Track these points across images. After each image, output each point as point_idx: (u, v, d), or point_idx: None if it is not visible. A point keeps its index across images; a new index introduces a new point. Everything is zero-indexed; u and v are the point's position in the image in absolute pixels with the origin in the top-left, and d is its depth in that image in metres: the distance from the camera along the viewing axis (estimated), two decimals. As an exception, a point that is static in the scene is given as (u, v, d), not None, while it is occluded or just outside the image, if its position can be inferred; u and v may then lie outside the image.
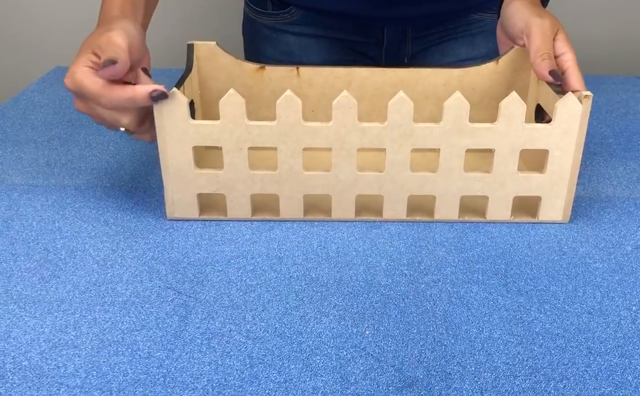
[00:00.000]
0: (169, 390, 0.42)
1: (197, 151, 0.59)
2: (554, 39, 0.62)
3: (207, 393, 0.42)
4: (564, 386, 0.42)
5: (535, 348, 0.46)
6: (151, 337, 0.46)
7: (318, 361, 0.44)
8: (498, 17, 0.72)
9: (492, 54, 0.74)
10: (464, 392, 0.42)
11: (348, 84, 0.69)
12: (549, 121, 0.57)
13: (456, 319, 0.48)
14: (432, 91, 0.69)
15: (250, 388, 0.42)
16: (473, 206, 0.62)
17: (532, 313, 0.49)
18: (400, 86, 0.69)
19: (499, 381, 0.43)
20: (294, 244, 0.57)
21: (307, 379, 0.43)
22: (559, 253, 0.57)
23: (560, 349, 0.46)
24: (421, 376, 0.43)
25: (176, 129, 0.56)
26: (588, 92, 0.55)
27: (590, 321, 0.48)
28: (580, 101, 0.55)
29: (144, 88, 0.53)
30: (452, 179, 0.58)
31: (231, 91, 0.54)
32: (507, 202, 0.59)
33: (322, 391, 0.42)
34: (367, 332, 0.47)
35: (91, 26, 0.60)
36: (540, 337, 0.47)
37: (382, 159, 0.58)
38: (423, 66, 0.69)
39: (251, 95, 0.70)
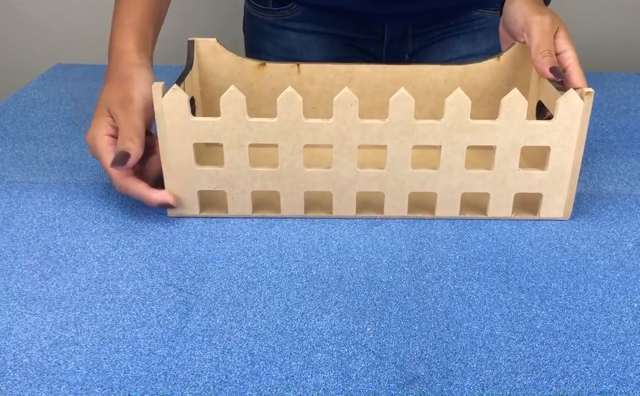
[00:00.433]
0: (170, 387, 0.42)
1: (198, 148, 0.59)
2: (555, 36, 0.62)
3: (208, 390, 0.42)
4: (566, 383, 0.42)
5: (536, 345, 0.45)
6: (152, 334, 0.46)
7: (319, 358, 0.44)
8: (500, 15, 0.72)
9: (493, 51, 0.74)
10: (465, 389, 0.42)
11: (349, 81, 0.69)
12: (550, 118, 0.57)
13: (457, 316, 0.48)
14: (433, 87, 0.69)
15: (252, 385, 0.42)
16: (474, 203, 0.61)
17: (533, 310, 0.49)
18: (401, 83, 0.69)
19: (500, 378, 0.43)
20: (295, 241, 0.57)
21: (308, 376, 0.43)
22: (560, 250, 0.56)
23: (561, 346, 0.45)
24: (422, 373, 0.43)
25: (177, 126, 0.56)
26: (590, 89, 0.55)
27: (591, 318, 0.48)
28: (582, 98, 0.55)
29: (156, 196, 0.58)
30: (453, 176, 0.58)
31: (232, 87, 0.54)
32: (508, 199, 0.59)
33: (323, 388, 0.42)
34: (368, 329, 0.47)
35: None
36: (542, 334, 0.47)
37: (383, 156, 0.57)
38: (424, 62, 0.69)
39: (252, 92, 0.70)
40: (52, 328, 0.47)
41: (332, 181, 0.58)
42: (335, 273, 0.53)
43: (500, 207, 0.60)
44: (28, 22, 1.62)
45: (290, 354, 0.45)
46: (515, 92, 0.54)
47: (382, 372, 0.43)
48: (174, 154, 0.57)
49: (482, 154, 0.66)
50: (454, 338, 0.46)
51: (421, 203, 0.61)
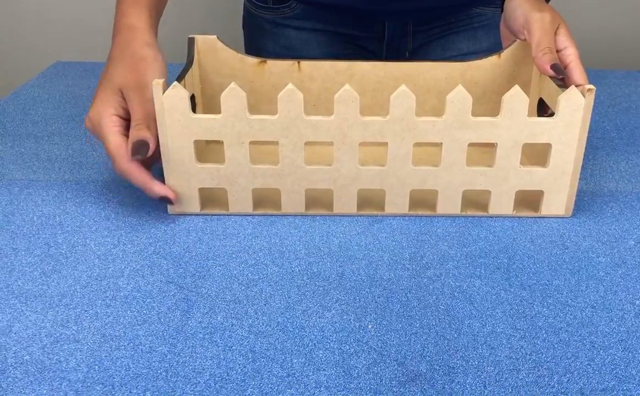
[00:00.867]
0: (171, 385, 0.42)
1: (198, 145, 0.58)
2: (555, 34, 0.62)
3: (210, 388, 0.42)
4: (567, 380, 0.42)
5: (538, 342, 0.45)
6: (153, 332, 0.46)
7: (321, 355, 0.44)
8: (501, 12, 0.72)
9: (494, 48, 0.74)
10: (467, 386, 0.42)
11: (349, 78, 0.69)
12: (551, 115, 0.57)
13: (459, 313, 0.48)
14: (434, 84, 0.69)
15: (253, 383, 0.42)
16: (475, 201, 0.61)
17: (535, 307, 0.49)
18: (401, 80, 0.69)
19: (502, 375, 0.43)
20: (296, 238, 0.57)
21: (310, 373, 0.43)
22: (562, 247, 0.56)
23: (563, 343, 0.45)
24: (424, 371, 0.43)
25: (177, 123, 0.55)
26: (591, 86, 0.55)
27: (593, 315, 0.48)
28: (583, 95, 0.55)
29: (158, 189, 0.56)
30: (454, 173, 0.58)
31: (232, 84, 0.54)
32: (509, 196, 0.59)
33: (324, 386, 0.42)
34: (369, 326, 0.47)
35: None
36: (544, 331, 0.46)
37: (384, 153, 0.57)
38: (424, 60, 0.69)
39: (252, 89, 0.70)
40: (52, 325, 0.47)
41: (333, 179, 0.58)
42: (336, 270, 0.53)
43: (502, 204, 0.60)
44: (28, 20, 1.61)
45: (292, 351, 0.45)
46: (516, 89, 0.54)
47: (383, 369, 0.43)
48: (175, 151, 0.57)
49: (483, 152, 0.66)
50: (455, 335, 0.46)
51: (422, 201, 0.61)
